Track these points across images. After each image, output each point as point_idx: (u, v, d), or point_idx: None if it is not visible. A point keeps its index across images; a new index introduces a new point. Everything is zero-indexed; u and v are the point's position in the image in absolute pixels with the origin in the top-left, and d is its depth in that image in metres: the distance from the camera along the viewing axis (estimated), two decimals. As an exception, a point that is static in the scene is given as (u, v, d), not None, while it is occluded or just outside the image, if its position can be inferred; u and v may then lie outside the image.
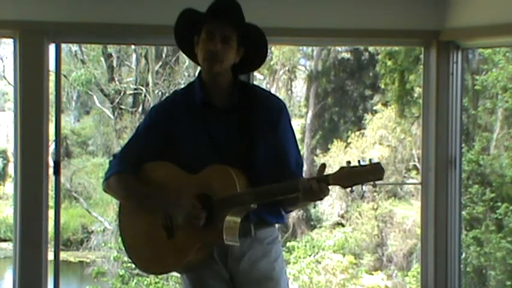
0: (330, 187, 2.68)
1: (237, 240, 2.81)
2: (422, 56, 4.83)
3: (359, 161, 2.61)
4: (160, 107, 3.07)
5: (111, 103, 13.37)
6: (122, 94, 13.35)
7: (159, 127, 2.94)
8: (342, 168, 2.64)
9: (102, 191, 3.06)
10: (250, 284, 2.93)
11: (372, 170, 2.59)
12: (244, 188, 2.78)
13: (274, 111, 2.92)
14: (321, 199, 2.72)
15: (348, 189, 2.66)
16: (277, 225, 3.04)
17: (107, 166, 3.03)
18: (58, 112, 4.56)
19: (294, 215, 13.46)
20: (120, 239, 3.06)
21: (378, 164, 2.60)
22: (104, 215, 13.65)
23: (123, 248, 3.08)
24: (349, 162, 2.64)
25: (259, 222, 2.91)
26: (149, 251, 2.93)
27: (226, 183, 2.77)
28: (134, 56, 13.49)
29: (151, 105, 12.90)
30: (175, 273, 10.61)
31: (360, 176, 2.60)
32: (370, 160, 2.61)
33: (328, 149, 14.04)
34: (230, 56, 2.85)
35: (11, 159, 13.82)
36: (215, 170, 2.81)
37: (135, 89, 13.34)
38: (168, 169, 2.91)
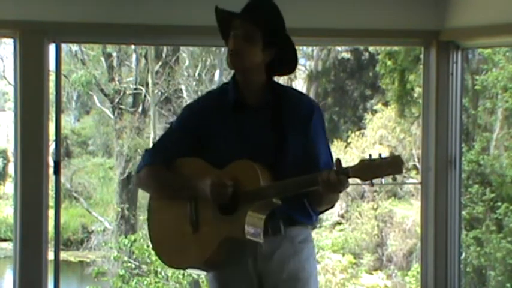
0: (350, 180, 2.68)
1: (260, 237, 2.80)
2: (422, 56, 4.83)
3: (379, 154, 2.61)
4: (194, 106, 3.15)
5: (111, 103, 13.37)
6: (121, 94, 13.35)
7: (191, 126, 2.99)
8: (362, 160, 2.64)
9: (135, 185, 3.11)
10: (278, 284, 2.91)
11: (392, 162, 2.59)
12: (268, 182, 2.80)
13: (306, 111, 2.94)
14: (340, 191, 2.72)
15: (367, 182, 2.65)
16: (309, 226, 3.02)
17: (139, 161, 3.10)
18: (58, 112, 4.57)
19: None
20: (147, 233, 3.11)
21: (398, 156, 2.61)
22: (104, 215, 13.65)
23: (150, 243, 3.13)
24: (370, 155, 2.64)
25: (289, 220, 2.90)
26: (174, 245, 2.96)
27: (250, 177, 2.79)
28: (134, 56, 13.49)
29: (151, 105, 12.96)
30: (175, 274, 10.52)
31: (379, 168, 2.60)
32: (391, 153, 2.61)
33: (328, 149, 14.01)
34: (253, 54, 2.88)
35: (11, 159, 13.83)
36: (240, 164, 2.84)
37: (135, 89, 13.34)
38: (196, 164, 2.95)
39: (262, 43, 2.89)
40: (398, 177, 13.31)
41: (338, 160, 2.70)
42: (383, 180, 2.64)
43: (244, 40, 2.87)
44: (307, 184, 2.74)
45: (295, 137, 2.90)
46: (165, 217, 3.01)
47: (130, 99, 13.55)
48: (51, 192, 4.46)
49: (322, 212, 3.01)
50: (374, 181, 2.64)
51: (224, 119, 2.95)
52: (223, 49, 13.68)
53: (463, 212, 9.50)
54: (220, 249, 2.84)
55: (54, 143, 4.62)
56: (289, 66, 2.99)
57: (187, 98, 13.03)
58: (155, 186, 3.04)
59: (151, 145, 12.27)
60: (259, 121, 2.92)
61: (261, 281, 2.93)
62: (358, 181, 2.71)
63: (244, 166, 2.82)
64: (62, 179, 10.36)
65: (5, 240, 13.91)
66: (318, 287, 3.01)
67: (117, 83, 13.30)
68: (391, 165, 2.59)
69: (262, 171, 2.80)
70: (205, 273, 3.11)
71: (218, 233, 2.82)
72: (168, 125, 3.26)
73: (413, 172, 12.86)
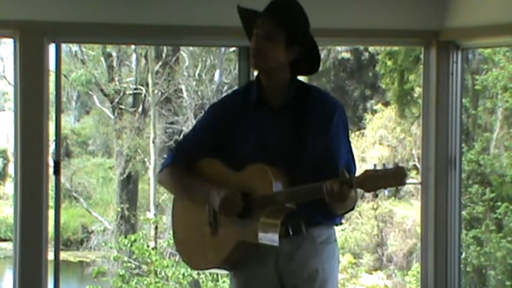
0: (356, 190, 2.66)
1: (275, 241, 2.81)
2: (422, 56, 4.83)
3: (384, 165, 2.58)
4: (217, 105, 3.16)
5: (111, 103, 13.36)
6: (121, 94, 13.34)
7: (215, 125, 2.99)
8: (366, 171, 2.62)
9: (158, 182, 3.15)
10: (298, 282, 2.91)
11: (395, 174, 2.56)
12: (281, 188, 2.79)
13: (327, 111, 2.90)
14: (344, 201, 2.68)
15: (371, 193, 2.64)
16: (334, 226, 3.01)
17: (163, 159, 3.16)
18: (58, 112, 4.57)
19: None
20: (171, 233, 3.15)
21: (402, 168, 2.56)
22: (104, 215, 13.65)
23: (173, 242, 3.18)
24: (375, 165, 2.62)
25: (311, 221, 2.89)
26: (194, 246, 3.00)
27: (263, 182, 2.80)
28: (134, 56, 13.49)
29: (151, 105, 12.96)
30: (175, 274, 10.52)
31: (382, 180, 2.57)
32: (395, 164, 2.58)
33: (329, 149, 14.01)
34: (275, 53, 2.87)
35: (11, 159, 13.82)
36: (254, 169, 2.84)
37: (135, 89, 13.33)
38: (214, 167, 2.96)
39: (285, 42, 2.87)
40: (398, 177, 13.34)
41: (343, 170, 2.68)
42: (386, 192, 2.62)
43: (266, 39, 2.86)
44: (314, 192, 2.71)
45: (315, 138, 2.87)
46: (187, 217, 3.04)
47: (130, 99, 13.54)
48: (51, 192, 4.46)
49: (344, 214, 2.96)
50: (378, 191, 2.63)
51: (245, 119, 2.94)
52: (223, 49, 13.72)
53: (463, 212, 9.50)
54: (235, 252, 2.87)
55: (54, 143, 4.62)
56: (312, 66, 2.98)
57: (187, 98, 13.03)
58: (175, 188, 3.09)
59: (152, 146, 12.20)
60: (279, 121, 2.91)
61: (281, 279, 2.94)
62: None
63: (258, 170, 2.83)
64: (62, 179, 10.36)
65: (5, 240, 13.90)
66: (337, 286, 3.00)
67: (117, 83, 13.30)
68: (393, 177, 2.56)
69: (276, 175, 2.80)
70: (226, 272, 3.14)
71: (233, 236, 2.85)
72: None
73: (414, 172, 12.86)
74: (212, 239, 2.92)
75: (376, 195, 2.70)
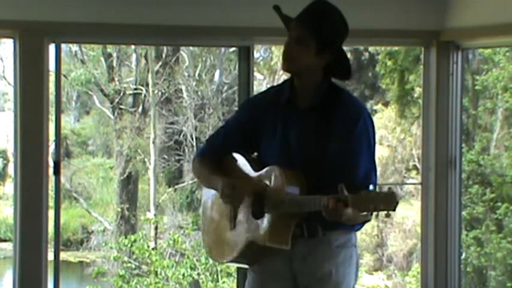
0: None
1: (286, 244, 2.81)
2: (422, 56, 4.83)
3: (380, 187, 2.62)
4: (252, 100, 3.24)
5: (111, 103, 13.35)
6: (121, 94, 13.34)
7: (246, 121, 3.03)
8: (361, 191, 2.60)
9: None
10: (312, 282, 2.92)
11: (384, 198, 2.54)
12: (296, 192, 2.81)
13: (352, 118, 2.88)
14: (339, 218, 2.66)
15: (364, 213, 2.63)
16: (355, 231, 2.99)
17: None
18: (58, 112, 4.56)
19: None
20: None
21: (393, 193, 2.55)
22: (104, 215, 13.64)
23: (201, 231, 3.24)
24: (368, 186, 2.64)
25: (328, 225, 2.84)
26: (215, 238, 3.08)
27: (277, 185, 2.83)
28: (134, 56, 13.48)
29: (151, 105, 12.95)
30: (175, 274, 10.51)
31: (373, 202, 2.55)
32: (389, 188, 2.57)
33: (329, 149, 14.01)
34: (305, 57, 2.87)
35: (11, 159, 13.82)
36: (271, 170, 2.87)
37: (135, 89, 13.32)
38: (237, 163, 3.02)
39: (316, 48, 2.87)
40: (398, 177, 13.32)
41: (341, 186, 2.64)
42: (379, 214, 2.61)
43: (297, 43, 2.88)
44: (314, 205, 2.71)
45: (337, 143, 2.85)
46: (213, 210, 3.11)
47: (130, 99, 13.53)
48: (51, 193, 4.46)
49: (363, 223, 2.92)
50: (369, 214, 2.63)
51: (275, 118, 2.96)
52: (223, 49, 13.71)
53: (463, 212, 9.50)
54: (247, 250, 2.91)
55: (54, 143, 4.61)
56: (343, 74, 2.99)
57: (187, 98, 13.03)
58: (201, 179, 3.17)
59: (152, 146, 12.21)
60: (305, 122, 2.91)
61: (296, 279, 2.95)
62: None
63: (274, 172, 2.86)
64: (62, 179, 10.36)
65: (5, 240, 13.90)
66: None
67: (117, 83, 13.29)
68: (383, 201, 2.54)
69: (292, 179, 2.82)
70: (245, 266, 3.17)
71: (246, 235, 2.90)
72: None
73: (414, 172, 12.86)
74: (230, 234, 2.98)
75: (370, 216, 2.66)
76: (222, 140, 3.07)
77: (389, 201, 2.53)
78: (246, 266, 3.12)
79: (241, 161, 3.03)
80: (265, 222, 2.83)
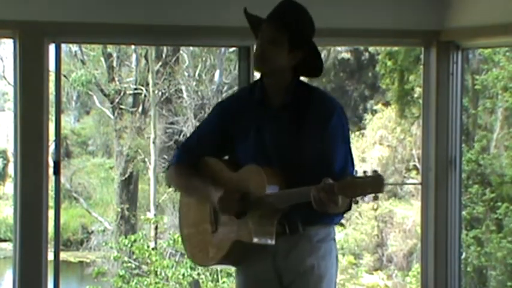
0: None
1: (271, 240, 2.86)
2: (422, 56, 4.83)
3: (364, 172, 2.59)
4: (223, 105, 3.22)
5: (111, 103, 13.36)
6: (122, 94, 13.34)
7: (220, 124, 3.06)
8: (346, 178, 2.62)
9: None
10: (296, 278, 2.96)
11: (371, 182, 2.56)
12: (276, 190, 2.84)
13: (326, 113, 2.93)
14: (329, 207, 2.68)
15: (353, 200, 2.65)
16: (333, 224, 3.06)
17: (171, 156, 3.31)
18: (58, 112, 4.56)
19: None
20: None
21: (379, 176, 2.56)
22: (104, 215, 13.65)
23: (181, 238, 3.27)
24: (356, 171, 2.68)
25: (308, 220, 2.93)
26: (197, 243, 3.10)
27: (258, 184, 2.86)
28: (134, 56, 13.49)
29: (151, 105, 12.95)
30: (175, 274, 10.50)
31: (360, 187, 2.57)
32: (374, 171, 2.58)
33: (329, 149, 14.00)
34: (278, 56, 2.92)
35: (11, 159, 13.82)
36: (250, 170, 2.91)
37: (135, 89, 13.33)
38: (214, 165, 3.05)
39: (288, 47, 2.92)
40: (398, 177, 13.33)
41: (325, 179, 2.67)
42: (366, 199, 2.62)
43: (269, 43, 2.92)
44: (302, 197, 2.74)
45: (312, 139, 2.91)
46: (191, 214, 3.14)
47: (130, 99, 13.54)
48: (51, 193, 4.45)
49: (342, 213, 2.97)
50: (358, 199, 2.63)
51: (248, 119, 3.00)
52: (223, 49, 13.69)
53: (463, 212, 9.51)
54: (233, 251, 2.94)
55: (54, 143, 4.61)
56: (314, 70, 3.03)
57: (187, 98, 13.03)
58: (179, 187, 3.22)
59: (152, 146, 12.21)
60: (279, 121, 2.96)
61: (279, 276, 3.00)
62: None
63: (253, 171, 2.89)
64: (62, 179, 10.36)
65: (5, 240, 13.90)
66: (335, 285, 3.04)
67: (117, 83, 13.30)
68: (371, 185, 2.56)
69: (271, 176, 2.85)
70: (230, 267, 3.23)
71: (231, 235, 2.93)
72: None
73: (414, 172, 12.86)
74: (213, 237, 3.00)
75: (357, 202, 2.66)
76: (197, 144, 3.10)
77: (376, 185, 2.56)
78: (231, 267, 3.15)
79: (215, 162, 3.06)
80: (248, 220, 2.86)
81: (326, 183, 2.65)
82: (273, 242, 2.86)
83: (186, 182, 3.09)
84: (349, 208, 2.87)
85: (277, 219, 2.86)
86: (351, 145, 3.03)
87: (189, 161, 3.08)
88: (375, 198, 2.61)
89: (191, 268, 10.22)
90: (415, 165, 12.88)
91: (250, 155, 2.95)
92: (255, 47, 3.00)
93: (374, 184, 2.56)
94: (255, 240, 2.84)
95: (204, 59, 13.16)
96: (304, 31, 2.97)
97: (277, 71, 2.95)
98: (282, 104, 2.96)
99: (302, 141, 2.91)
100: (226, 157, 3.12)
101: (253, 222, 2.85)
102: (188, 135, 3.27)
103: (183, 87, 13.19)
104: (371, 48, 13.92)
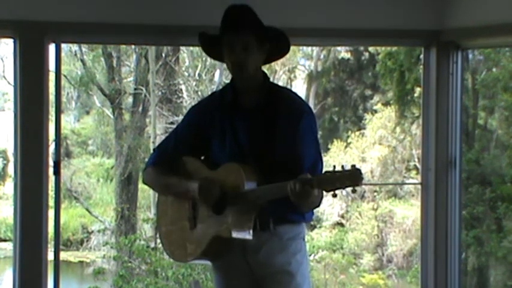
0: (320, 191, 2.80)
1: (248, 234, 2.96)
2: (422, 56, 4.83)
3: (342, 166, 2.71)
4: (197, 106, 3.32)
5: (111, 103, 13.36)
6: (121, 94, 13.34)
7: (195, 126, 3.18)
8: (326, 172, 2.75)
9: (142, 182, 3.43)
10: (267, 277, 3.08)
11: (350, 175, 2.68)
12: (253, 186, 2.95)
13: (296, 113, 3.06)
14: (306, 200, 2.81)
15: (331, 193, 2.74)
16: (304, 223, 3.17)
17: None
18: (58, 112, 4.56)
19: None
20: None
21: (357, 170, 2.68)
22: (104, 215, 13.65)
23: (158, 235, 3.38)
24: (334, 166, 2.76)
25: (280, 218, 3.05)
26: (176, 239, 3.19)
27: (236, 180, 2.96)
28: (134, 56, 13.49)
29: (151, 105, 12.95)
30: (175, 274, 10.47)
31: (339, 180, 2.69)
32: (353, 166, 2.69)
33: (328, 149, 14.04)
34: (255, 58, 3.07)
35: (11, 159, 13.82)
36: (228, 167, 3.02)
37: (135, 89, 13.33)
38: (192, 165, 3.16)
39: (257, 44, 3.05)
40: (398, 177, 13.33)
41: (304, 173, 2.82)
42: (344, 192, 2.73)
43: (244, 49, 3.03)
44: (280, 191, 2.85)
45: (283, 139, 3.03)
46: (169, 212, 3.23)
47: (130, 99, 13.54)
48: (51, 193, 4.45)
49: (311, 210, 3.10)
50: (337, 192, 2.74)
51: (222, 120, 3.11)
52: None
53: (463, 212, 9.51)
54: (212, 246, 3.04)
55: (54, 143, 4.61)
56: (283, 47, 3.16)
57: (187, 98, 13.02)
58: (156, 187, 3.33)
59: (152, 146, 12.20)
60: (252, 122, 3.07)
61: (251, 270, 3.12)
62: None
63: (231, 169, 3.00)
64: (62, 179, 10.35)
65: (5, 240, 13.91)
66: (308, 282, 3.14)
67: (117, 83, 13.29)
68: (349, 178, 2.68)
69: (249, 174, 2.97)
70: (207, 263, 3.28)
71: (210, 231, 3.03)
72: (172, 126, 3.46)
73: (414, 172, 12.87)
74: (191, 233, 3.10)
75: (335, 195, 2.75)
76: (174, 146, 3.21)
77: (354, 177, 2.68)
78: (208, 263, 3.24)
79: (193, 161, 3.17)
80: (227, 216, 2.96)
81: (304, 177, 2.77)
82: (251, 237, 2.96)
83: (165, 180, 3.19)
84: (318, 205, 3.01)
85: (255, 214, 2.96)
86: (320, 145, 3.17)
87: (165, 163, 3.19)
88: (353, 191, 2.71)
89: (191, 268, 10.22)
90: (415, 165, 12.89)
91: (226, 154, 3.06)
92: (226, 62, 3.10)
93: (352, 177, 2.68)
94: (234, 235, 2.94)
95: (204, 59, 13.15)
96: (261, 23, 3.08)
97: (256, 71, 3.08)
98: (253, 105, 3.08)
99: (274, 140, 3.02)
100: (203, 157, 3.22)
101: (232, 218, 2.95)
102: (165, 136, 3.36)
103: (183, 87, 13.19)
104: (371, 48, 13.93)
